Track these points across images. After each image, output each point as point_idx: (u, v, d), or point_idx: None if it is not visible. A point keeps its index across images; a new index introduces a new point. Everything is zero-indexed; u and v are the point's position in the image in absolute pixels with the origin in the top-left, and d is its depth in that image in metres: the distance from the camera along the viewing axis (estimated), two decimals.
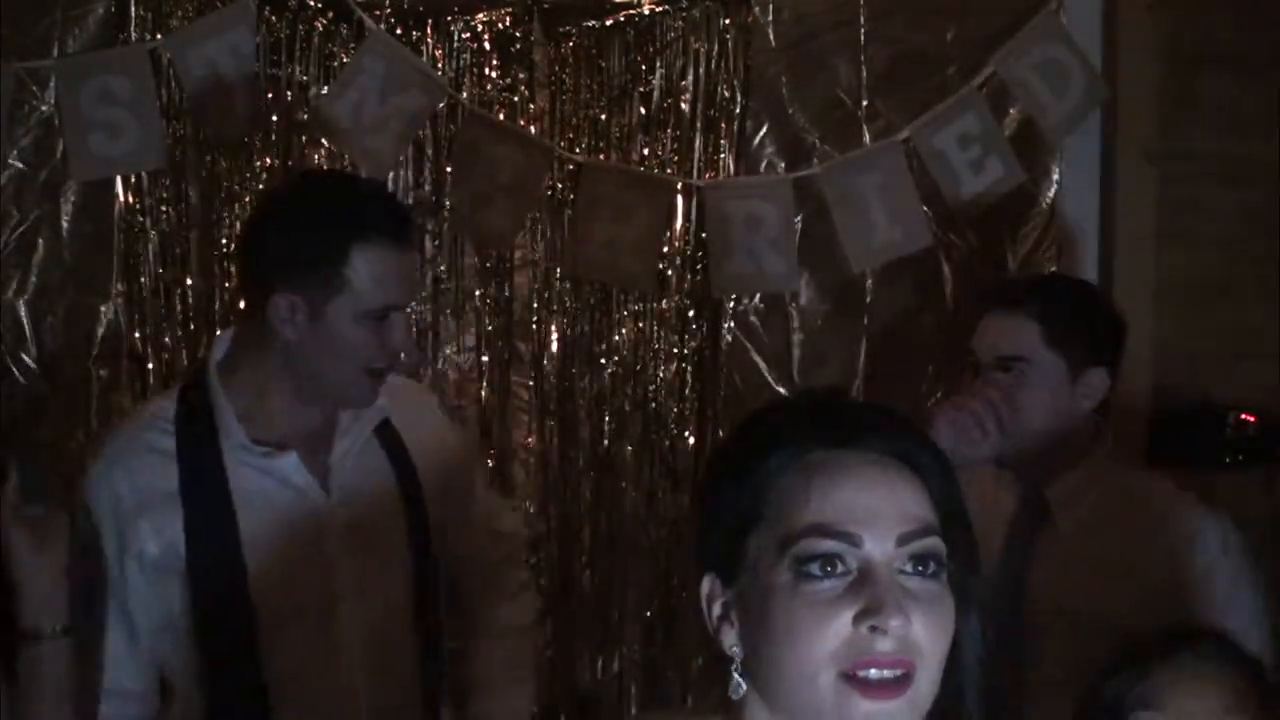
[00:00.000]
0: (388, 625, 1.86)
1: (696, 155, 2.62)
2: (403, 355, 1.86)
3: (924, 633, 1.05)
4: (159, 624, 1.80)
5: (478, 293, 2.62)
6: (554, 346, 2.65)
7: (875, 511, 1.06)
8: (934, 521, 1.08)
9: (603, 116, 2.62)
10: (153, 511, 1.78)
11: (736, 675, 1.09)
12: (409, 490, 1.90)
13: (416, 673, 1.90)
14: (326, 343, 1.77)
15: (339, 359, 1.78)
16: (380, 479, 1.88)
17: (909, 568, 1.06)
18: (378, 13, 2.48)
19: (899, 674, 1.04)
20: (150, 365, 2.53)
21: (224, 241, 2.53)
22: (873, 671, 1.04)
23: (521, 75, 2.60)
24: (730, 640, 1.10)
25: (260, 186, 2.52)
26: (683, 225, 2.61)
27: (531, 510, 2.65)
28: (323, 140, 2.52)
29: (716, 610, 1.11)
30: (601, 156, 2.59)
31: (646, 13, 2.61)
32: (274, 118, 2.52)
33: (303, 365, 1.79)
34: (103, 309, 2.50)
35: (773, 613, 1.06)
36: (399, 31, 2.51)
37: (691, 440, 2.66)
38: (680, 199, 2.59)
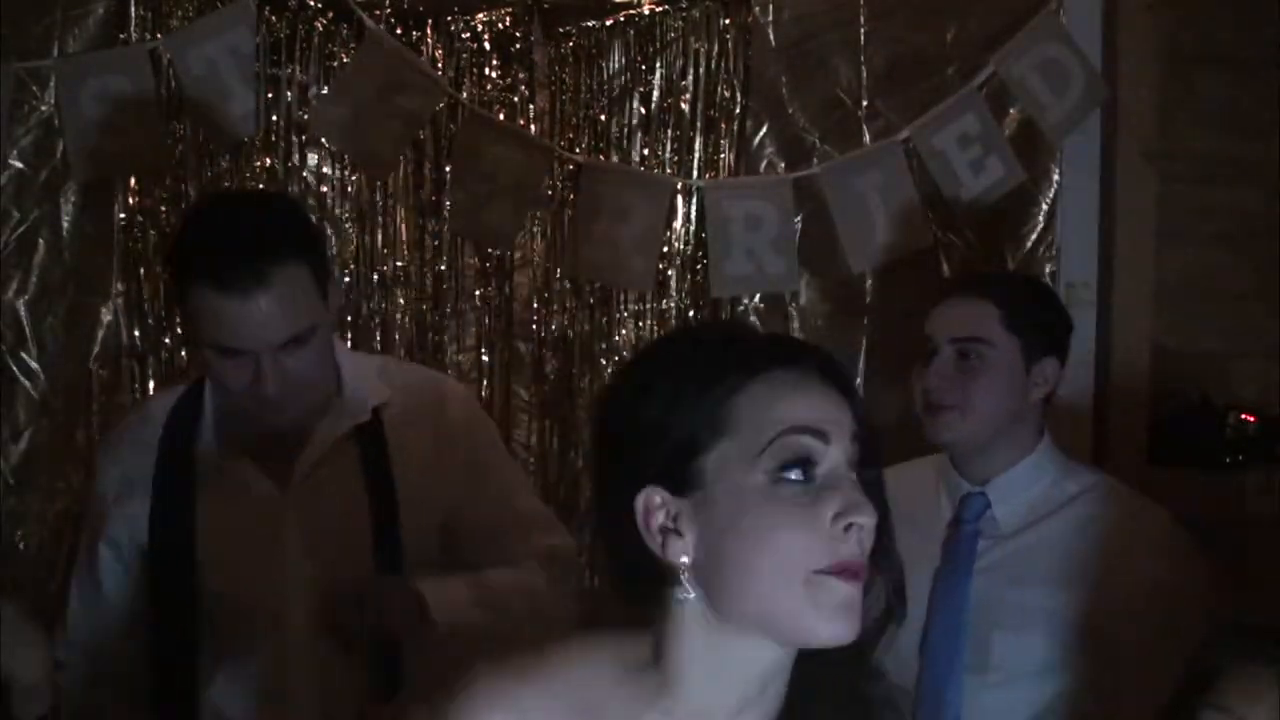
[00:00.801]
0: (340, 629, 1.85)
1: (696, 155, 2.62)
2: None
3: (872, 530, 1.14)
4: (119, 605, 1.89)
5: (478, 293, 2.62)
6: (554, 346, 2.65)
7: (834, 415, 1.15)
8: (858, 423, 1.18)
9: (603, 116, 2.62)
10: (129, 499, 1.88)
11: (685, 582, 1.15)
12: (379, 496, 1.88)
13: (367, 677, 1.87)
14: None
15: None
16: (346, 485, 1.87)
17: (855, 468, 1.15)
18: (378, 13, 2.48)
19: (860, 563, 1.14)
20: (150, 365, 2.53)
21: None
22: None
23: (521, 75, 2.60)
24: (678, 549, 1.15)
25: (260, 186, 2.52)
26: (683, 225, 2.61)
27: None
28: (323, 140, 2.52)
29: (658, 521, 1.16)
30: (601, 156, 2.59)
31: (646, 13, 2.61)
32: (274, 118, 2.52)
33: None
34: (103, 309, 2.50)
35: (745, 516, 1.12)
36: (399, 31, 2.51)
37: None
38: (680, 199, 2.59)
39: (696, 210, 2.59)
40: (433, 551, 1.94)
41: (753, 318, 2.65)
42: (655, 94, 2.61)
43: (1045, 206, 2.67)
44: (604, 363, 2.65)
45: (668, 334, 1.56)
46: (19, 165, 2.45)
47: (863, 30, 2.61)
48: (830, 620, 1.11)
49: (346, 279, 2.57)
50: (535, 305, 2.64)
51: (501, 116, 2.55)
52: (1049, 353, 1.99)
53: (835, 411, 1.16)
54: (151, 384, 2.51)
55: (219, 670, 1.87)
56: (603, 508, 1.23)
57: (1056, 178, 2.66)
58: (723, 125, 2.62)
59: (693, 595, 1.15)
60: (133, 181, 2.49)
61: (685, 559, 1.15)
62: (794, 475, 1.13)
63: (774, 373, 1.16)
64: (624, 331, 2.65)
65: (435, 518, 1.93)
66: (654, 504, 1.16)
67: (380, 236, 2.59)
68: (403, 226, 2.60)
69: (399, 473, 1.89)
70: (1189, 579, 1.97)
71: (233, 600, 1.86)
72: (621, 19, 2.61)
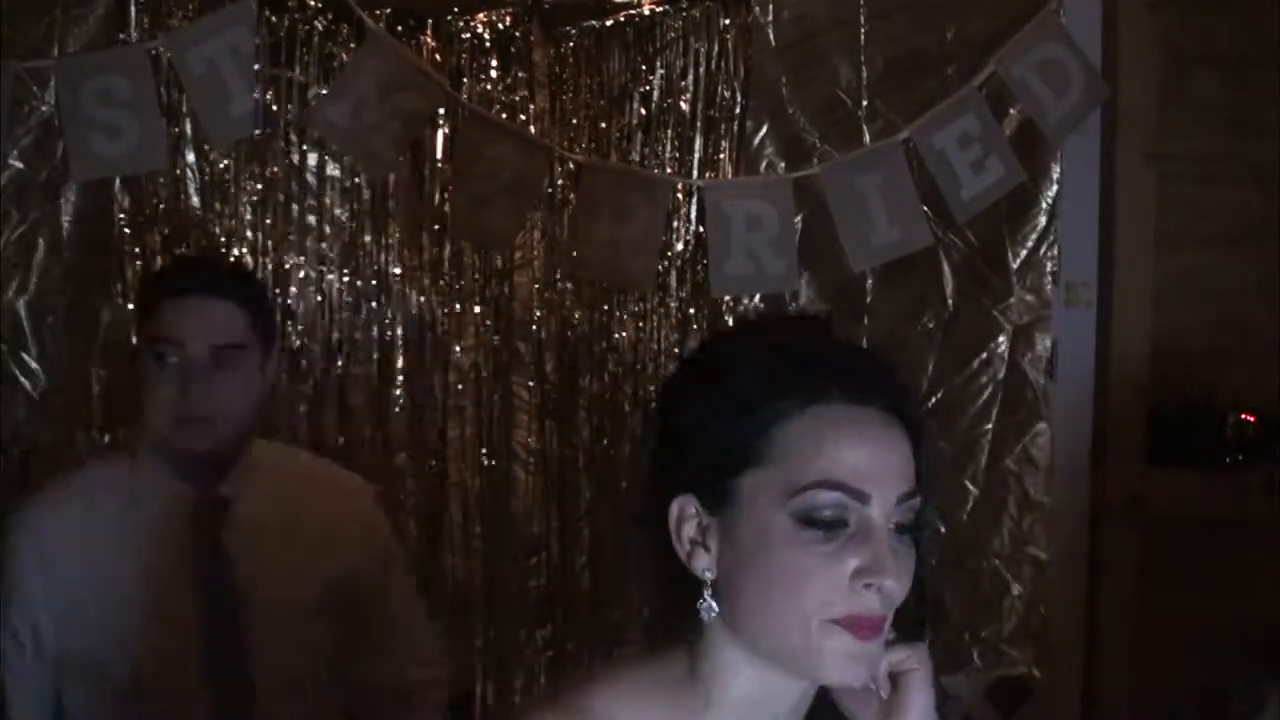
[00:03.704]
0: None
1: (696, 155, 2.62)
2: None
3: (898, 588, 1.08)
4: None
5: (478, 293, 2.62)
6: (554, 346, 2.65)
7: (882, 471, 1.09)
8: (917, 480, 1.12)
9: (603, 117, 2.62)
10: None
11: (709, 598, 1.12)
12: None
13: None
14: None
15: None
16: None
17: (896, 527, 1.09)
18: (378, 13, 2.47)
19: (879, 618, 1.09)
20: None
21: (224, 241, 2.53)
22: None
23: (521, 75, 2.59)
24: (704, 564, 1.12)
25: (260, 186, 2.52)
26: (683, 225, 2.61)
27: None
28: (322, 140, 2.52)
29: (689, 531, 1.13)
30: (601, 156, 2.59)
31: (646, 13, 2.61)
32: (274, 117, 2.52)
33: None
34: (103, 309, 2.50)
35: (767, 552, 1.08)
36: (399, 31, 2.50)
37: None
38: (680, 199, 2.59)
39: (696, 210, 2.59)
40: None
41: (753, 318, 2.65)
42: (655, 94, 2.61)
43: (1045, 206, 2.67)
44: (604, 363, 2.65)
45: (743, 324, 1.45)
46: (19, 165, 2.45)
47: (863, 30, 2.61)
48: (838, 668, 1.09)
49: (346, 279, 2.57)
50: (535, 305, 2.64)
51: (502, 116, 2.55)
52: (273, 346, 1.96)
53: (885, 466, 1.09)
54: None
55: None
56: (642, 507, 1.19)
57: (1056, 178, 2.66)
58: (723, 125, 2.62)
59: (715, 612, 1.12)
60: (133, 181, 2.49)
61: (709, 574, 1.12)
62: (821, 523, 1.08)
63: (831, 405, 1.10)
64: (624, 331, 2.65)
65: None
66: (687, 513, 1.13)
67: (380, 236, 2.59)
68: (402, 226, 2.59)
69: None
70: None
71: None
72: (621, 19, 2.61)
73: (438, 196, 2.58)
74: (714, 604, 1.12)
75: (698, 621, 1.14)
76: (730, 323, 2.65)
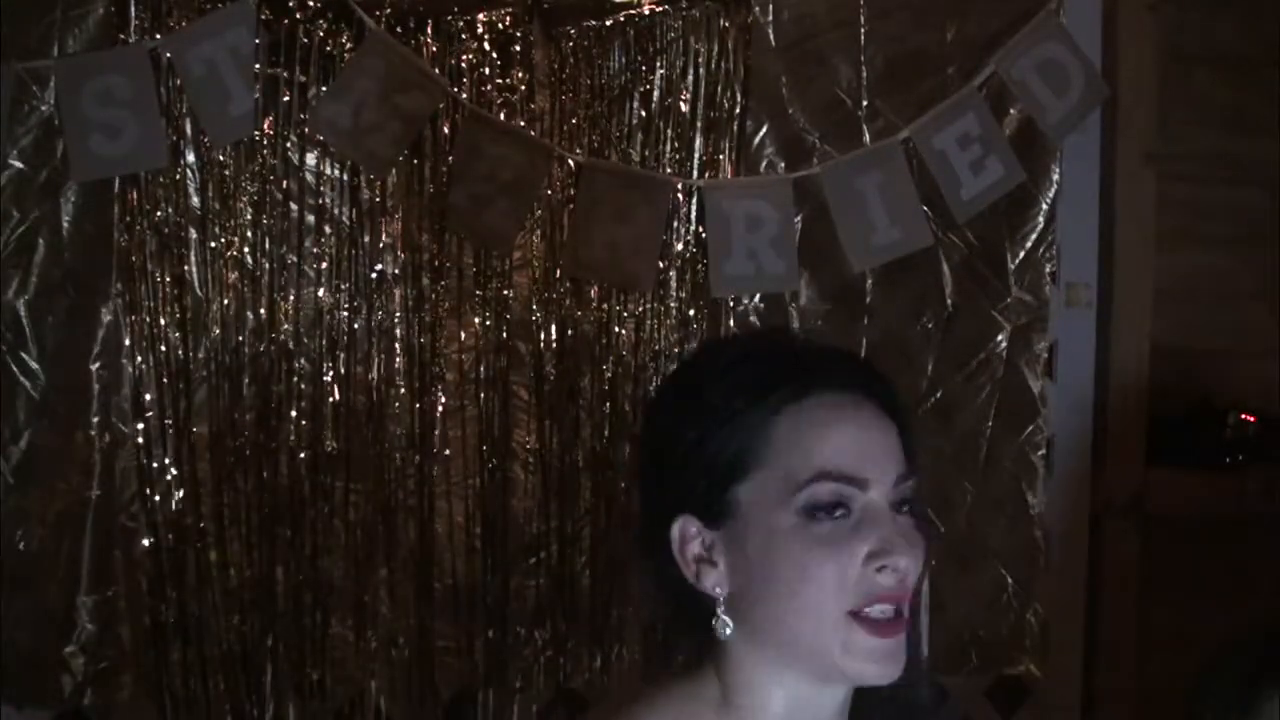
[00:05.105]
0: None
1: (696, 155, 2.62)
2: None
3: (914, 568, 1.10)
4: None
5: (478, 293, 2.62)
6: (554, 346, 2.65)
7: (875, 455, 1.10)
8: (908, 460, 1.13)
9: (603, 117, 2.61)
10: None
11: (723, 615, 1.11)
12: None
13: None
14: None
15: None
16: None
17: (900, 508, 1.11)
18: (378, 13, 2.47)
19: (898, 609, 1.09)
20: (150, 365, 2.53)
21: (224, 241, 2.53)
22: (877, 608, 1.09)
23: (521, 75, 2.59)
24: (713, 580, 1.12)
25: (260, 186, 2.52)
26: (683, 225, 2.61)
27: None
28: (322, 140, 2.52)
29: (694, 550, 1.12)
30: (602, 157, 2.59)
31: (646, 13, 2.61)
32: (273, 117, 2.52)
33: None
34: (103, 309, 2.50)
35: (778, 554, 1.08)
36: (399, 31, 2.50)
37: None
38: (680, 199, 2.59)
39: (696, 210, 2.59)
40: None
41: (753, 318, 2.65)
42: (655, 94, 2.61)
43: (1045, 206, 2.68)
44: (604, 363, 2.65)
45: (711, 343, 1.48)
46: (19, 165, 2.45)
47: (863, 30, 2.61)
48: (864, 662, 1.09)
49: (345, 279, 2.57)
50: (535, 305, 2.64)
51: (502, 116, 2.55)
52: None
53: (876, 450, 1.10)
54: (151, 384, 2.51)
55: None
56: (641, 534, 1.18)
57: (1056, 178, 2.66)
58: (723, 125, 2.62)
59: (730, 628, 1.12)
60: (133, 181, 2.49)
61: (720, 590, 1.11)
62: (824, 515, 1.09)
63: (814, 398, 1.11)
64: (624, 331, 2.65)
65: None
66: (689, 533, 1.13)
67: (380, 236, 2.59)
68: (402, 226, 2.59)
69: None
70: None
71: None
72: (621, 19, 2.61)
73: (437, 196, 2.58)
74: (729, 620, 1.11)
75: (716, 640, 1.13)
76: (730, 323, 2.65)
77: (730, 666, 1.14)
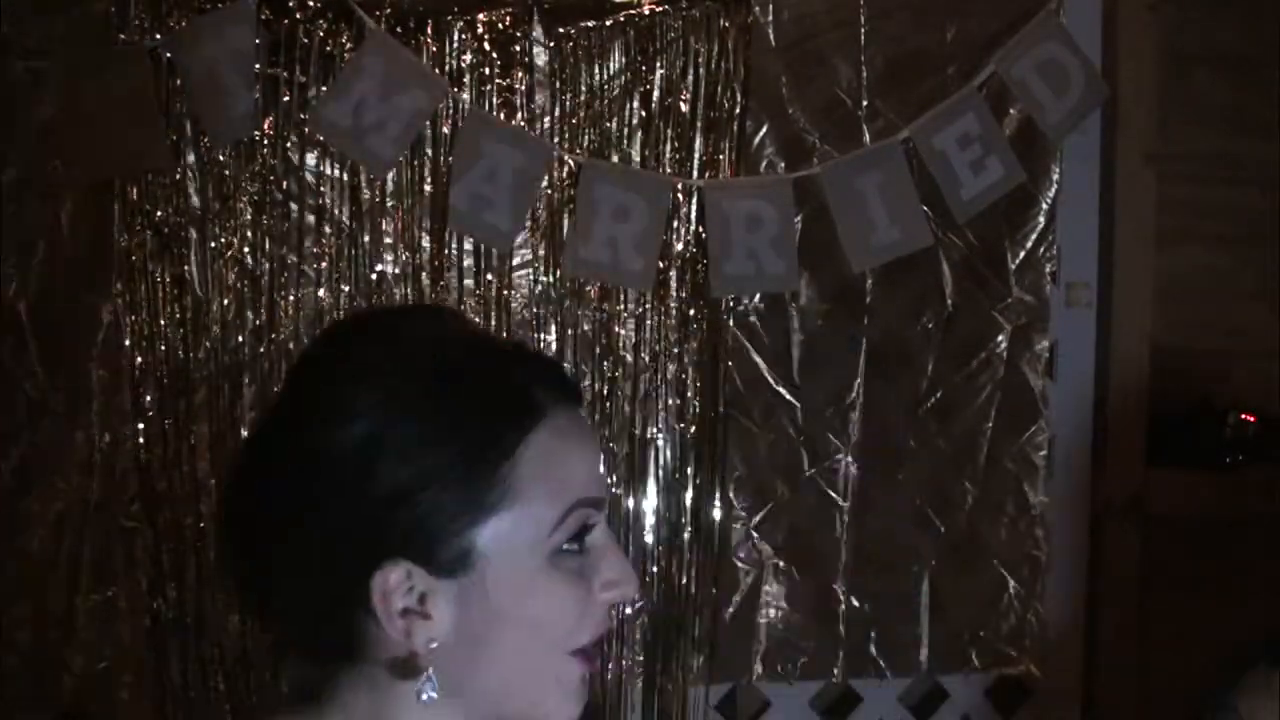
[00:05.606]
0: None
1: (696, 155, 2.62)
2: None
3: (632, 596, 1.03)
4: None
5: (478, 293, 2.62)
6: (554, 346, 2.65)
7: (600, 473, 1.01)
8: None
9: (603, 117, 2.61)
10: None
11: (432, 675, 0.96)
12: None
13: None
14: None
15: None
16: None
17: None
18: (378, 13, 2.47)
19: None
20: (150, 365, 2.53)
21: (224, 241, 2.53)
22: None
23: (521, 75, 2.59)
24: (426, 635, 0.95)
25: (260, 186, 2.52)
26: (683, 225, 2.61)
27: None
28: (322, 140, 2.52)
29: (400, 603, 0.95)
30: (602, 157, 2.59)
31: (646, 13, 2.61)
32: (273, 117, 2.52)
33: None
34: (103, 309, 2.50)
35: (525, 599, 0.95)
36: (399, 31, 2.50)
37: None
38: (680, 199, 2.59)
39: (696, 210, 2.59)
40: None
41: (752, 318, 2.65)
42: (655, 94, 2.61)
43: (1045, 206, 2.68)
44: (604, 363, 2.65)
45: (353, 327, 1.13)
46: (19, 165, 2.45)
47: (863, 30, 2.61)
48: (566, 700, 0.98)
49: (345, 279, 2.57)
50: (535, 305, 2.64)
51: (501, 116, 2.55)
52: None
53: (599, 465, 1.00)
54: (151, 384, 2.51)
55: None
56: (316, 584, 0.96)
57: (1056, 178, 2.67)
58: (723, 125, 2.62)
59: (437, 695, 0.95)
60: (133, 181, 2.49)
61: (434, 644, 0.96)
62: (574, 545, 0.97)
63: (555, 415, 0.96)
64: (624, 331, 2.65)
65: None
66: (396, 585, 0.95)
67: (380, 236, 2.59)
68: (402, 226, 2.59)
69: None
70: None
71: None
72: (621, 19, 2.61)
73: (437, 196, 2.58)
74: (434, 682, 0.96)
75: (382, 696, 0.98)
76: (730, 323, 2.64)
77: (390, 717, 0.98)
